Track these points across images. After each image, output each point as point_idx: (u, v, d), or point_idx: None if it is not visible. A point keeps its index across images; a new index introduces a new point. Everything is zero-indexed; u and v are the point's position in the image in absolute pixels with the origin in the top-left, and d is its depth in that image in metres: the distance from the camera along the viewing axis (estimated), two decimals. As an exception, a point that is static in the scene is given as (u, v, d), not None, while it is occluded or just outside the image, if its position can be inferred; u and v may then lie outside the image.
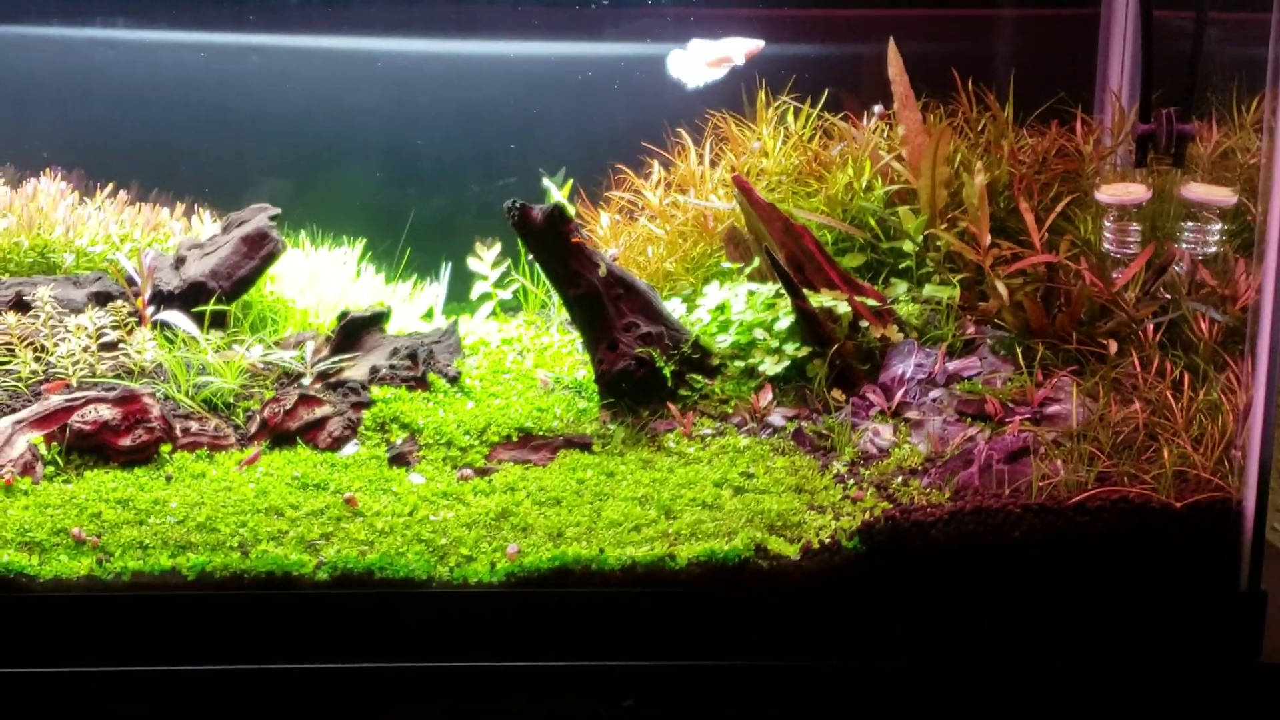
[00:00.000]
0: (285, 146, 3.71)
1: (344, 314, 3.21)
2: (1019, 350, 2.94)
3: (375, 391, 2.96)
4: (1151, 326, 2.88)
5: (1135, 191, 2.98)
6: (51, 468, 2.66)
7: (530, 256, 3.20)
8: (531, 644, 2.44)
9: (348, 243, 3.63)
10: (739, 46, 3.41)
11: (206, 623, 2.41)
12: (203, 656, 2.39)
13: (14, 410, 2.77)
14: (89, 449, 2.71)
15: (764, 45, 3.43)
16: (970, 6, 3.60)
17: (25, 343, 2.97)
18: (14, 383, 2.87)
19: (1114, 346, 2.86)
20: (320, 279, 3.50)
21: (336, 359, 3.09)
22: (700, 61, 3.42)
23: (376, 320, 3.22)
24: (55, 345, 2.98)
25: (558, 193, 3.58)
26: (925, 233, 3.22)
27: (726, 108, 3.57)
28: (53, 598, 2.38)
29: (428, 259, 3.66)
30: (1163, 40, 3.10)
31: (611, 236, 3.54)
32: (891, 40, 3.32)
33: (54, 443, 2.70)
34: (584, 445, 2.86)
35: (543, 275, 3.19)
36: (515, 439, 2.87)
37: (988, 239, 3.07)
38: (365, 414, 2.89)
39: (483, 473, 2.75)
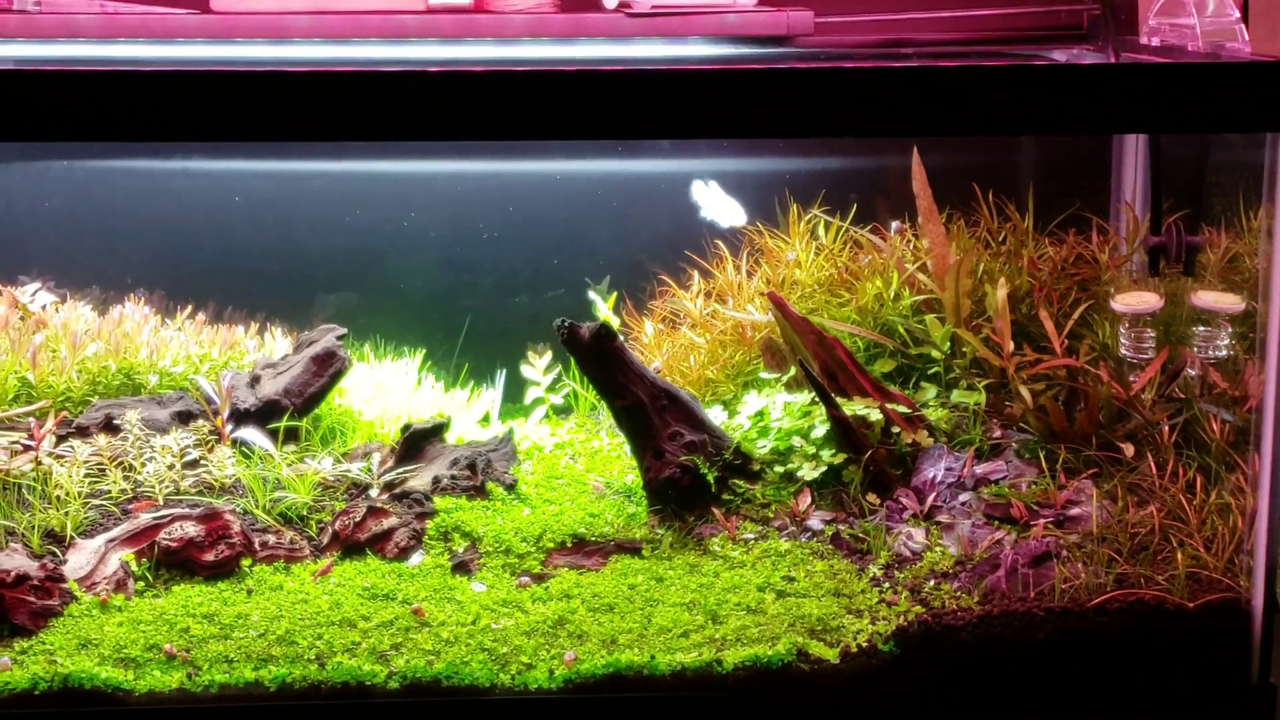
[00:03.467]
0: (349, 264, 3.90)
1: (407, 426, 3.40)
2: (1042, 454, 3.11)
3: (438, 501, 3.15)
4: (1167, 429, 3.06)
5: (1148, 301, 3.15)
6: (141, 583, 2.86)
7: (579, 367, 3.38)
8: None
9: (409, 353, 3.83)
10: (728, 211, 3.70)
11: (288, 731, 2.61)
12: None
13: (106, 529, 2.98)
14: (175, 564, 2.92)
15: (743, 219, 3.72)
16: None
17: (115, 463, 3.18)
18: (106, 502, 3.08)
19: (1130, 449, 3.04)
20: (384, 389, 3.69)
21: (401, 470, 3.29)
22: (713, 202, 3.69)
23: (437, 431, 3.41)
24: (143, 465, 3.19)
25: (604, 305, 3.76)
26: (951, 340, 3.39)
27: (762, 219, 3.75)
28: (147, 710, 2.57)
29: (484, 366, 3.85)
30: (1172, 146, 3.28)
31: (655, 345, 3.73)
32: (915, 154, 3.49)
33: (143, 559, 2.90)
34: (634, 550, 3.04)
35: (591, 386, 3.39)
36: (570, 545, 3.05)
37: (1010, 346, 3.24)
38: (429, 523, 3.08)
39: (540, 579, 2.93)
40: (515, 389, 3.84)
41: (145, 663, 2.61)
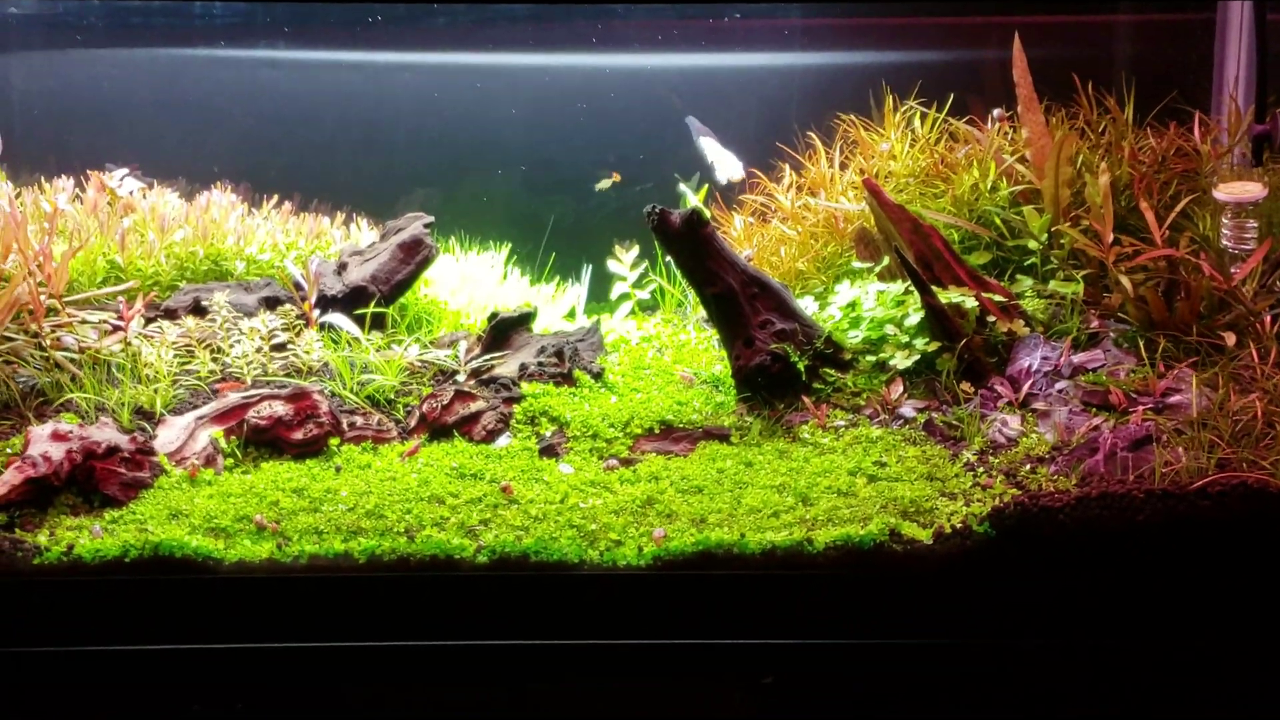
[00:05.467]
0: (435, 157, 3.89)
1: (494, 315, 3.38)
2: (1141, 343, 3.04)
3: (525, 387, 3.13)
4: (1269, 318, 2.98)
5: (1252, 190, 3.07)
6: (231, 460, 2.86)
7: (668, 258, 3.35)
8: (677, 623, 2.58)
9: (494, 247, 3.81)
10: (727, 165, 3.65)
11: (377, 602, 2.58)
12: (373, 634, 2.56)
13: (195, 407, 2.98)
14: (264, 442, 2.92)
15: (742, 174, 3.66)
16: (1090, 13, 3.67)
17: (204, 345, 3.18)
18: (195, 381, 3.08)
19: (1232, 338, 2.96)
20: (470, 282, 3.68)
21: (488, 357, 3.27)
22: (712, 154, 3.67)
23: (524, 320, 3.39)
24: (231, 347, 3.19)
25: (693, 197, 3.73)
26: (1049, 231, 3.33)
27: (855, 112, 3.69)
28: (238, 579, 2.57)
29: (569, 261, 3.83)
30: (1277, 42, 3.19)
31: (745, 238, 3.68)
32: (1017, 40, 3.41)
33: (233, 436, 2.90)
34: (723, 437, 3.01)
35: (680, 275, 3.35)
36: (657, 431, 3.03)
37: (1111, 236, 3.17)
38: (516, 408, 3.06)
39: (627, 463, 2.91)
40: (601, 285, 3.82)
41: (235, 533, 2.60)
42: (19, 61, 3.75)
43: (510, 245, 3.82)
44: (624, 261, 3.72)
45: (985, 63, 3.64)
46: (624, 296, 3.77)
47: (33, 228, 3.32)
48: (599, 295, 3.82)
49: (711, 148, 3.66)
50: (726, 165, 3.69)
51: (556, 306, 3.72)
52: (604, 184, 3.65)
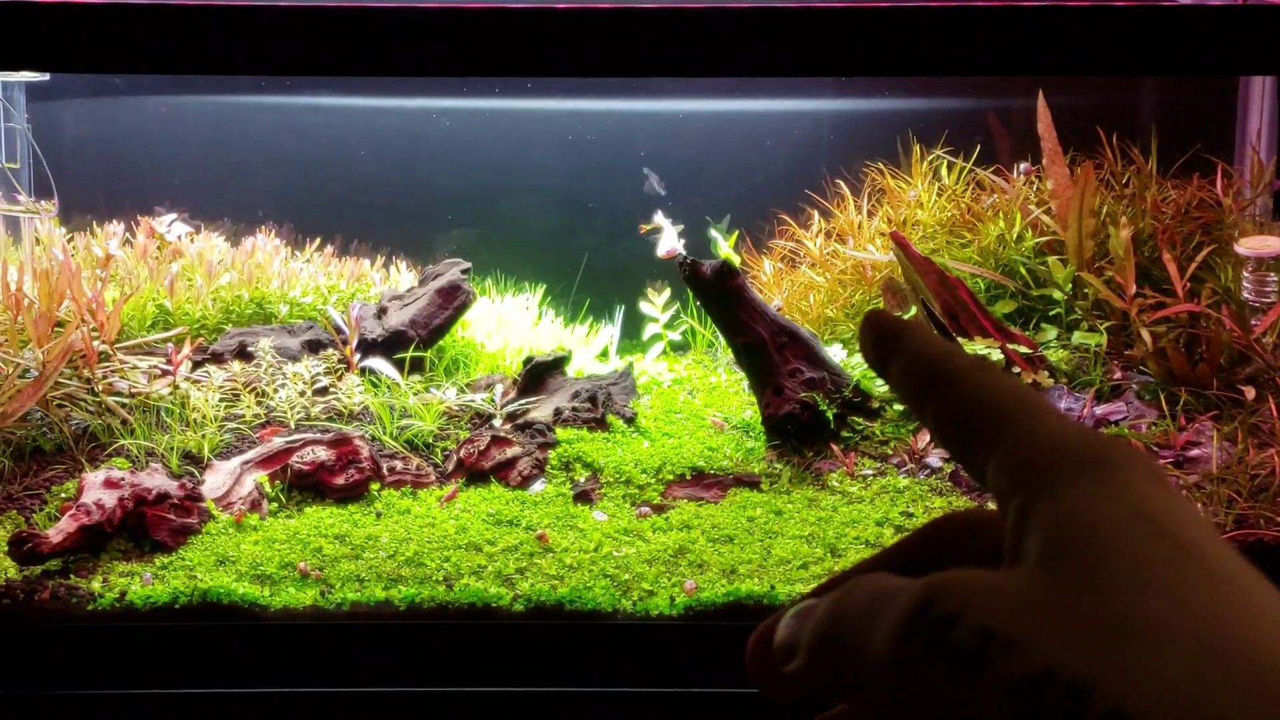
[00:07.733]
0: (471, 200, 3.98)
1: (529, 359, 3.46)
2: (1162, 395, 3.11)
3: (559, 432, 3.21)
4: (1289, 373, 3.05)
5: (1272, 244, 3.14)
6: (275, 504, 2.95)
7: (699, 304, 3.43)
8: (709, 673, 2.66)
9: (530, 288, 3.90)
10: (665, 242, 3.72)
11: (417, 649, 2.66)
12: (414, 680, 2.64)
13: (241, 451, 3.08)
14: (307, 487, 3.00)
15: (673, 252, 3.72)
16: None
17: (249, 388, 3.27)
18: (240, 426, 3.18)
19: (1251, 393, 3.03)
20: (506, 323, 3.76)
21: (523, 401, 3.35)
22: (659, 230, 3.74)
23: (558, 364, 3.47)
24: (275, 391, 3.28)
25: (724, 243, 3.80)
26: (1073, 281, 3.39)
27: (883, 159, 3.77)
28: (283, 625, 2.66)
29: (602, 302, 3.91)
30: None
31: (774, 283, 3.76)
32: (1041, 96, 3.48)
33: (277, 481, 2.99)
34: (753, 484, 3.08)
35: (711, 321, 3.43)
36: (689, 477, 3.10)
37: (1133, 288, 3.24)
38: (551, 454, 3.14)
39: (659, 509, 2.98)
40: (633, 325, 3.90)
41: (280, 580, 2.68)
42: (69, 109, 3.85)
43: (545, 286, 3.91)
44: (656, 303, 3.80)
45: (1013, 110, 3.71)
46: (656, 337, 3.84)
47: (85, 274, 3.42)
48: (631, 333, 3.89)
49: (661, 223, 3.72)
50: (668, 240, 3.75)
51: (590, 347, 3.79)
52: (650, 227, 3.72)
